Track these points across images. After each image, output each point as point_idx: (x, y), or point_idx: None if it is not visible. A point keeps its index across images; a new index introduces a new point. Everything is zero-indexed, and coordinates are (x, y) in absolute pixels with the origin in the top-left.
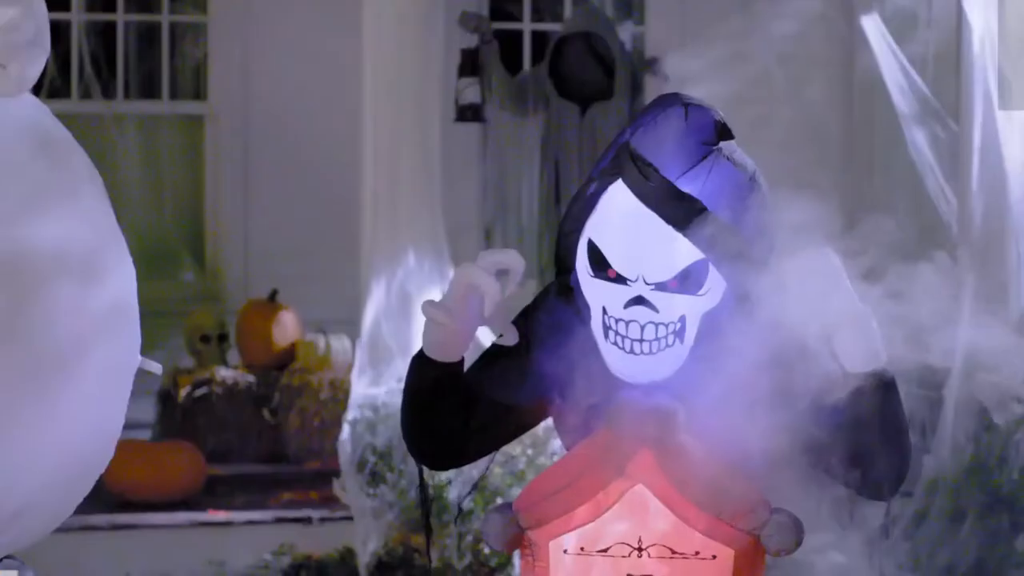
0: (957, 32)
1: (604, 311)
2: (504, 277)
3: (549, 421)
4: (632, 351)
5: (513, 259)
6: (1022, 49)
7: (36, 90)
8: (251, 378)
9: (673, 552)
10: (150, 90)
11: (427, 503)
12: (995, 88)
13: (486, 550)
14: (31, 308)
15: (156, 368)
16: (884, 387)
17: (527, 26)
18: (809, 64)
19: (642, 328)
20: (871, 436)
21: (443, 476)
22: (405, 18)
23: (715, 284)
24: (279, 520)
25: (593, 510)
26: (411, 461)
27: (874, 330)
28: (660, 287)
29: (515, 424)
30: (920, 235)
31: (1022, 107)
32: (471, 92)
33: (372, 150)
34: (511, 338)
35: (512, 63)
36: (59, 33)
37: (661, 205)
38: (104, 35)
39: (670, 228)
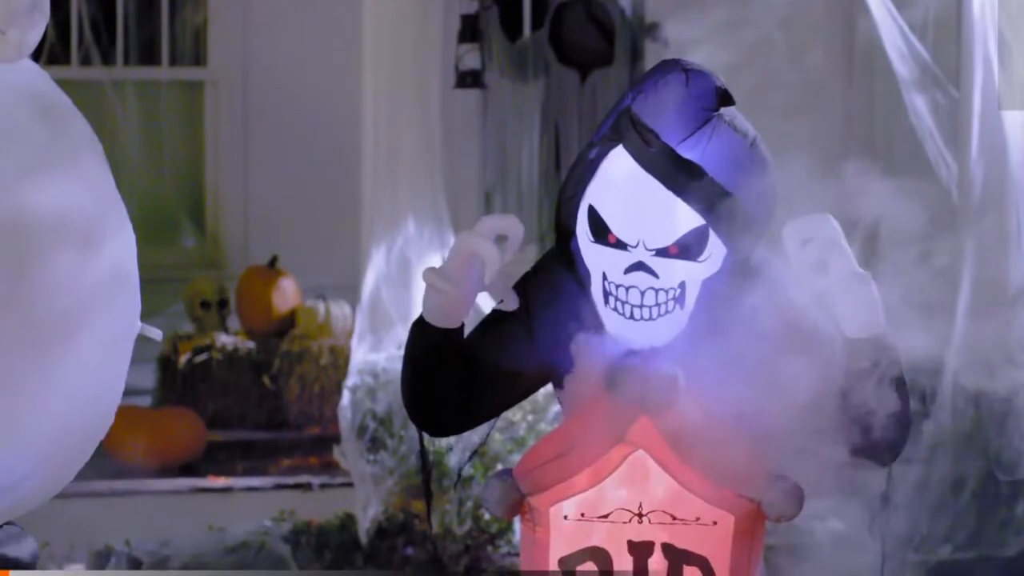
0: None
1: (604, 277)
2: (503, 243)
3: (549, 387)
4: (632, 317)
5: (512, 224)
6: (1022, 14)
7: (35, 56)
8: (251, 344)
9: (674, 518)
10: (150, 56)
11: (427, 469)
12: (995, 54)
13: (486, 516)
14: (31, 275)
15: (156, 334)
16: (885, 352)
17: None
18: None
19: (642, 294)
20: (872, 401)
21: (443, 442)
22: None
23: (715, 250)
24: (279, 486)
25: (593, 476)
26: (411, 427)
27: (874, 295)
28: (660, 253)
29: (515, 390)
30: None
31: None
32: (471, 58)
33: (372, 117)
34: (511, 303)
35: (512, 29)
36: None
37: (662, 171)
38: (103, 0)
39: (670, 194)
